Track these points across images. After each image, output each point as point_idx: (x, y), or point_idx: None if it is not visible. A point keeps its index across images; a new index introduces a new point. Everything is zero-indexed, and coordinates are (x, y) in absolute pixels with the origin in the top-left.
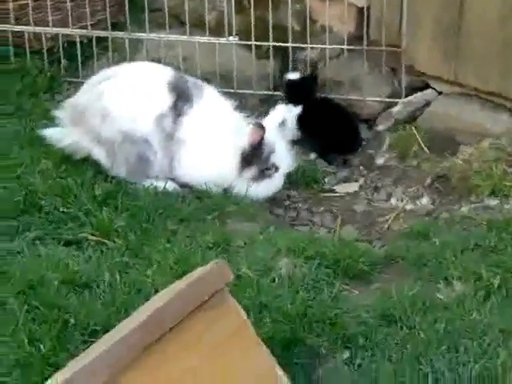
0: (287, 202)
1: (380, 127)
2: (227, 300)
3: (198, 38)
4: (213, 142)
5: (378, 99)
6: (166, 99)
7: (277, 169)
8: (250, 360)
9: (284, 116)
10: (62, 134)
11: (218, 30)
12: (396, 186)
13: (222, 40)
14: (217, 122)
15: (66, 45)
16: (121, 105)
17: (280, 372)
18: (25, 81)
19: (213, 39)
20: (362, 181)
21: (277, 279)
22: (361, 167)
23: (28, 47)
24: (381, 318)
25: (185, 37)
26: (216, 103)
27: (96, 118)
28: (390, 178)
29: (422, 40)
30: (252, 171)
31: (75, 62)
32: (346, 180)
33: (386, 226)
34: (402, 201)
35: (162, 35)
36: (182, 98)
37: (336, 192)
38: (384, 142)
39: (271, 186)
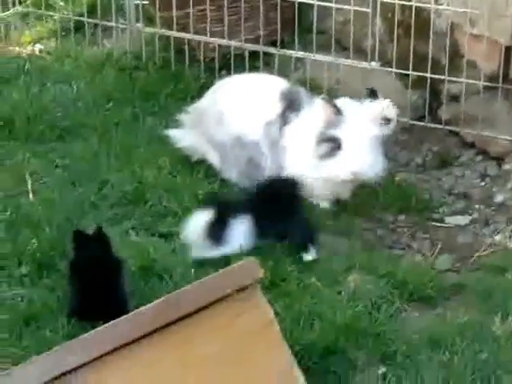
0: (392, 225)
1: (507, 166)
2: (256, 296)
3: (341, 61)
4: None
5: (509, 138)
6: (276, 107)
7: (340, 146)
8: (269, 357)
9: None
10: (182, 135)
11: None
12: (507, 224)
13: (364, 64)
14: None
15: (223, 56)
16: (234, 110)
17: (298, 373)
18: (178, 85)
19: (355, 62)
20: (475, 215)
21: (342, 292)
22: (479, 203)
23: (188, 55)
24: (427, 340)
25: (330, 58)
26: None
27: (211, 121)
28: (505, 216)
29: None
30: (323, 148)
31: (230, 73)
32: (460, 212)
33: (475, 258)
34: (509, 238)
35: (309, 53)
36: (291, 107)
37: (445, 222)
38: (509, 180)
39: (344, 165)
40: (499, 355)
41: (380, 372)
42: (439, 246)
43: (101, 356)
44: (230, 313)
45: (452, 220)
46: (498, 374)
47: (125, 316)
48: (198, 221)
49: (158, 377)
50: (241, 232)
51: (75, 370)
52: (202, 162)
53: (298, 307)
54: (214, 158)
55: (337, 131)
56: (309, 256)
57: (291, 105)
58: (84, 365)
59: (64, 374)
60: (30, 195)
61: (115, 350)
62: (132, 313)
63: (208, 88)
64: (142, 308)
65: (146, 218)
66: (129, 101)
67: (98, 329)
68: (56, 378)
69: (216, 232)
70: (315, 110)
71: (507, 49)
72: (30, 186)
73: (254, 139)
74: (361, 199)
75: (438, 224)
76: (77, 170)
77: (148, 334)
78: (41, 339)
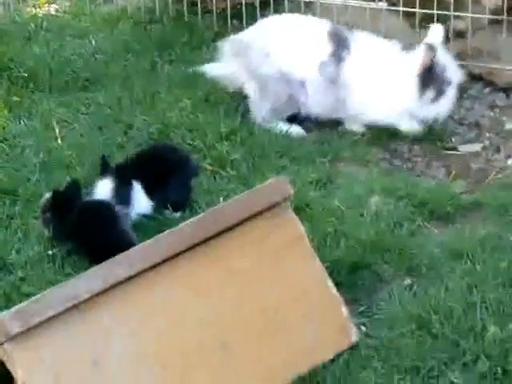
0: (407, 155)
1: None
2: (287, 214)
3: (350, 2)
4: (383, 78)
5: None
6: (328, 47)
7: (450, 83)
8: (303, 269)
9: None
10: (220, 67)
11: None
12: None
13: (372, 4)
14: (379, 58)
15: (234, 6)
16: (282, 46)
17: (331, 283)
18: (192, 35)
19: (363, 3)
20: (486, 142)
21: (365, 213)
22: (490, 131)
23: (200, 6)
24: (449, 253)
25: (339, 1)
26: (372, 43)
27: (257, 54)
28: None
29: None
30: (431, 92)
31: (242, 22)
32: (472, 141)
33: (488, 181)
34: None
35: None
36: (340, 45)
37: (458, 151)
38: None
39: (448, 102)
40: None
41: (406, 283)
42: (453, 172)
43: (146, 269)
44: (263, 228)
45: (464, 148)
46: None
47: (167, 232)
48: (103, 189)
49: (198, 288)
50: (141, 194)
51: (122, 282)
52: (222, 102)
53: (324, 228)
54: (251, 90)
55: (440, 74)
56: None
57: (340, 43)
58: (130, 277)
59: (112, 287)
60: (59, 140)
61: (159, 263)
62: (174, 229)
63: (222, 36)
64: (183, 224)
65: None
66: (146, 51)
67: (143, 243)
68: (105, 291)
69: (122, 196)
70: (409, 54)
71: None
72: (57, 133)
73: (300, 77)
74: (377, 130)
75: (452, 152)
76: (102, 115)
77: (188, 249)
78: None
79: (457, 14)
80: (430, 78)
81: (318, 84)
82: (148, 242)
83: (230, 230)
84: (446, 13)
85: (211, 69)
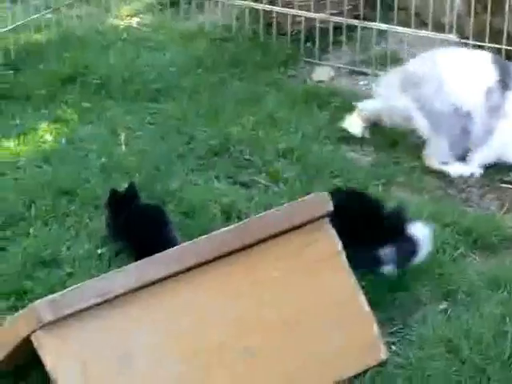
0: (462, 185)
1: None
2: (326, 228)
3: (422, 33)
4: None
5: None
6: (493, 74)
7: None
8: (336, 285)
9: None
10: (381, 101)
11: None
12: None
13: (441, 36)
14: None
15: (308, 30)
16: (454, 79)
17: (363, 302)
18: (265, 55)
19: (431, 34)
20: None
21: None
22: None
23: (275, 28)
24: (488, 281)
25: (410, 30)
26: None
27: (430, 88)
28: None
29: None
30: None
31: (314, 45)
32: None
33: None
34: None
35: (390, 26)
36: (505, 73)
37: None
38: None
39: None
40: None
41: (441, 307)
42: (506, 206)
43: (180, 270)
44: (301, 241)
45: None
46: None
47: (205, 236)
48: None
49: (229, 293)
50: None
51: (155, 281)
52: (284, 121)
53: None
54: (421, 125)
55: None
56: None
57: (505, 72)
58: (164, 277)
59: (145, 285)
60: (123, 147)
61: (193, 266)
62: (212, 234)
63: (293, 59)
64: (222, 230)
65: (229, 169)
66: (218, 67)
67: (181, 245)
68: (137, 288)
69: None
70: None
71: None
72: (122, 139)
73: (469, 108)
74: None
75: (509, 186)
76: (166, 126)
77: (224, 255)
78: None
79: None
80: None
81: (482, 112)
82: (185, 244)
83: (266, 240)
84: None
85: (368, 105)
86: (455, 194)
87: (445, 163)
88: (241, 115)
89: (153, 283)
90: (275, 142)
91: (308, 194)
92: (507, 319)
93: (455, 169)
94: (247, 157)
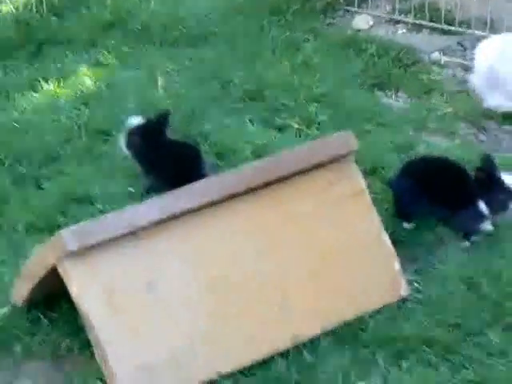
0: (495, 132)
1: None
2: (350, 167)
3: None
4: None
5: None
6: None
7: None
8: (360, 222)
9: None
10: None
11: None
12: None
13: None
14: None
15: None
16: None
17: (386, 238)
18: (305, 4)
19: None
20: None
21: None
22: None
23: None
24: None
25: None
26: None
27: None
28: None
29: None
30: None
31: None
32: None
33: None
34: None
35: None
36: None
37: None
38: None
39: None
40: None
41: (463, 246)
42: None
43: (205, 204)
44: (326, 179)
45: None
46: None
47: (229, 171)
48: None
49: (255, 226)
50: None
51: (180, 214)
52: (320, 67)
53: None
54: None
55: None
56: None
57: None
58: (189, 211)
59: (170, 218)
60: (160, 90)
61: (218, 200)
62: (236, 169)
63: (332, 7)
64: (246, 166)
65: (263, 113)
66: (257, 15)
67: (205, 180)
68: (162, 221)
69: None
70: None
71: None
72: (160, 83)
73: None
74: (469, 108)
75: None
76: (204, 71)
77: (249, 190)
78: None
79: None
80: None
81: None
82: (209, 178)
83: (292, 176)
84: None
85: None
86: (486, 139)
87: None
88: (277, 61)
89: (178, 216)
90: (310, 87)
91: None
92: None
93: None
94: (281, 101)
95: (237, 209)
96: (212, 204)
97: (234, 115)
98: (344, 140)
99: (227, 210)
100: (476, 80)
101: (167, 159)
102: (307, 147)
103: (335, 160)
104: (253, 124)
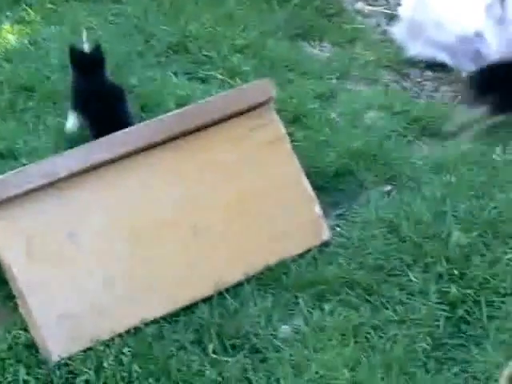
0: (417, 79)
1: None
2: (269, 114)
3: None
4: None
5: None
6: None
7: None
8: (280, 168)
9: None
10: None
11: None
12: None
13: None
14: None
15: None
16: (449, 10)
17: (307, 184)
18: None
19: None
20: None
21: (357, 125)
22: None
23: None
24: (431, 165)
25: None
26: None
27: (431, 28)
28: None
29: None
30: None
31: None
32: None
33: None
34: None
35: None
36: None
37: None
38: None
39: None
40: (496, 178)
41: (384, 190)
42: (458, 98)
43: (125, 154)
44: (245, 126)
45: None
46: (492, 192)
47: (148, 121)
48: None
49: (176, 174)
50: None
51: (101, 165)
52: (243, 19)
53: (316, 137)
54: (444, 59)
55: None
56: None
57: None
58: (109, 161)
59: (91, 168)
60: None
61: (139, 150)
62: (156, 118)
63: None
64: (165, 115)
65: (187, 65)
66: None
67: (124, 130)
68: (83, 171)
69: None
70: None
71: None
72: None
73: (476, 31)
74: (392, 55)
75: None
76: (128, 25)
77: (169, 139)
78: None
79: None
80: None
81: (491, 28)
82: (129, 128)
83: (211, 125)
84: None
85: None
86: (409, 86)
87: None
88: (201, 14)
89: (98, 166)
90: (233, 38)
91: None
92: (447, 200)
93: None
94: (205, 53)
95: (157, 158)
96: (132, 154)
97: (158, 68)
98: (262, 87)
99: (147, 159)
100: (397, 29)
101: (92, 100)
102: (226, 95)
103: (254, 107)
104: (177, 76)
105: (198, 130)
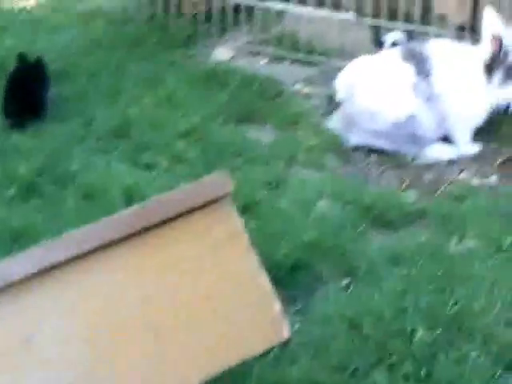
0: (362, 164)
1: None
2: (227, 208)
3: (320, 13)
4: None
5: None
6: (409, 68)
7: None
8: (237, 265)
9: None
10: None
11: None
12: (472, 163)
13: (339, 15)
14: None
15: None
16: (378, 99)
17: (266, 281)
18: (164, 36)
19: (333, 14)
20: None
21: (311, 215)
22: None
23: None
24: (388, 257)
25: (308, 9)
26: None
27: (364, 121)
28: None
29: None
30: (499, 75)
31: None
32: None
33: (439, 192)
34: (474, 175)
35: (288, 5)
36: (417, 60)
37: (414, 162)
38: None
39: None
40: (454, 270)
41: (343, 284)
42: (406, 182)
43: (82, 254)
44: (204, 222)
45: (421, 160)
46: (452, 286)
47: (106, 218)
48: None
49: (135, 274)
50: None
51: (57, 266)
52: (183, 102)
53: (269, 228)
54: (383, 146)
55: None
56: None
57: (417, 59)
58: (65, 261)
59: (46, 270)
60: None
61: (96, 249)
62: (114, 215)
63: (193, 39)
64: (121, 212)
65: (130, 151)
66: (117, 48)
67: (81, 228)
68: (38, 273)
69: None
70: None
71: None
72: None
73: (408, 114)
74: (334, 137)
75: (408, 163)
76: (66, 108)
77: (127, 237)
78: None
79: (423, 29)
80: (496, 63)
81: (421, 108)
82: (86, 227)
83: (169, 222)
84: (412, 28)
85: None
86: (355, 171)
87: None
88: (141, 96)
89: (54, 268)
90: (175, 122)
91: (210, 173)
92: (407, 295)
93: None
94: (148, 138)
95: (115, 257)
96: (89, 253)
97: (100, 154)
98: (219, 181)
99: (105, 258)
100: (333, 122)
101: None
102: (183, 190)
103: (211, 202)
104: (120, 163)
105: (156, 226)
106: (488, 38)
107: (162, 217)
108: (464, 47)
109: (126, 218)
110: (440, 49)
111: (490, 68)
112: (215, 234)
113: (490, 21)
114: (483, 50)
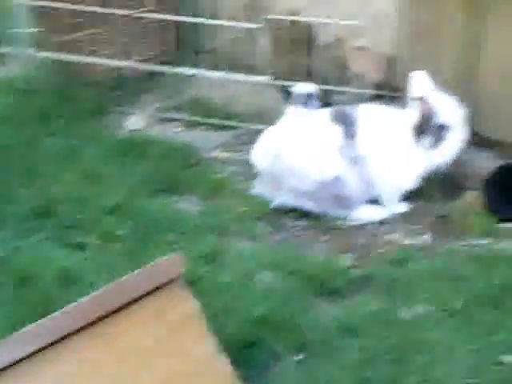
0: (292, 230)
1: None
2: (181, 290)
3: (233, 76)
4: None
5: None
6: (336, 130)
7: (448, 128)
8: (195, 347)
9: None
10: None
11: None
12: (402, 223)
13: (253, 78)
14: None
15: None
16: (303, 160)
17: (225, 362)
18: (73, 107)
19: (246, 77)
20: None
21: (255, 288)
22: None
23: (81, 77)
24: (341, 328)
25: (220, 73)
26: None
27: (290, 181)
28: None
29: None
30: (429, 137)
31: (123, 93)
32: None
33: (372, 255)
34: (403, 236)
35: (200, 70)
36: (345, 122)
37: (343, 225)
38: None
39: (451, 147)
40: (409, 338)
41: (298, 359)
42: (340, 247)
43: (37, 350)
44: (158, 307)
45: (350, 222)
46: (409, 355)
47: (61, 311)
48: None
49: (93, 366)
50: None
51: (12, 364)
52: (106, 176)
53: (214, 304)
54: (308, 206)
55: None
56: None
57: (345, 122)
58: (21, 359)
59: (4, 369)
60: None
61: (52, 343)
62: (68, 306)
63: (104, 109)
64: (74, 304)
65: (57, 231)
66: (26, 123)
67: (35, 323)
68: None
69: None
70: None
71: (390, 59)
72: None
73: (334, 175)
74: (262, 204)
75: (337, 226)
76: None
77: (82, 328)
78: None
79: (340, 88)
80: (425, 126)
81: (347, 169)
82: (40, 321)
83: (123, 308)
84: (329, 88)
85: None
86: (287, 238)
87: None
88: (59, 172)
89: (10, 366)
90: (100, 198)
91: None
92: (367, 367)
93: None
94: (74, 216)
95: (72, 349)
96: (44, 348)
97: (28, 236)
98: (171, 263)
99: (62, 352)
100: (257, 188)
101: None
102: (135, 275)
103: (164, 285)
104: (49, 244)
105: (111, 314)
106: (416, 100)
107: (117, 304)
108: (392, 111)
109: (81, 308)
110: (367, 112)
111: (419, 131)
112: (170, 317)
113: (418, 83)
114: (412, 113)
